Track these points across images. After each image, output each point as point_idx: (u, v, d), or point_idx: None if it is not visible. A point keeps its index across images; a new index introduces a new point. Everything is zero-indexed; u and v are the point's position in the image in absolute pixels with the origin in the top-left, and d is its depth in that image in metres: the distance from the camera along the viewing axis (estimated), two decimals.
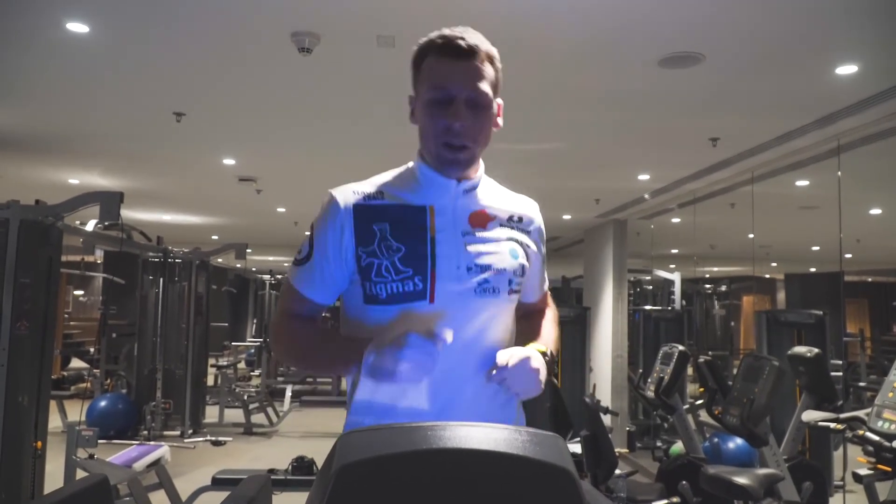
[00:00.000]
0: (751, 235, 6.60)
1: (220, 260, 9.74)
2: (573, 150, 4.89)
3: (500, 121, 1.37)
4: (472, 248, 1.31)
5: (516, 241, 1.37)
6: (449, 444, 0.81)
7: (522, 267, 1.36)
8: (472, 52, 1.26)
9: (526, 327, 1.45)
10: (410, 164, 1.39)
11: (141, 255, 7.47)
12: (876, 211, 6.96)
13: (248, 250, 8.08)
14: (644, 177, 5.68)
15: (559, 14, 2.71)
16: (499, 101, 1.36)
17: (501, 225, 1.37)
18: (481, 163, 1.40)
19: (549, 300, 1.59)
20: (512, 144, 4.78)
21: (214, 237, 10.94)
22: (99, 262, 11.76)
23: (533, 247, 1.42)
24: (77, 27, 2.87)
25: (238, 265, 12.84)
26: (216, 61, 3.29)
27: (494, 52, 1.32)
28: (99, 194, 4.15)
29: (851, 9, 2.59)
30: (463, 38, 1.26)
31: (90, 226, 5.46)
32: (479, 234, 1.33)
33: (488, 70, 1.29)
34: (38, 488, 3.70)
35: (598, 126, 4.27)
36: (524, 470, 0.81)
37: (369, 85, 3.55)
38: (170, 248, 7.54)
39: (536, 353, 1.29)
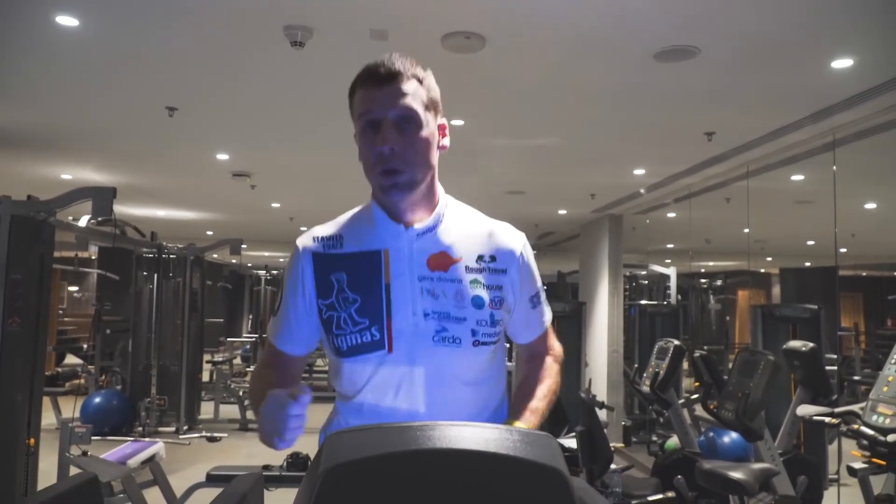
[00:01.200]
0: (746, 230, 6.59)
1: (215, 255, 9.72)
2: (568, 145, 4.88)
3: (446, 142, 1.34)
4: (429, 294, 1.26)
5: (485, 284, 1.29)
6: (438, 444, 0.79)
7: (490, 315, 1.27)
8: (392, 76, 1.25)
9: (516, 392, 1.40)
10: (370, 200, 1.36)
11: (135, 250, 7.44)
12: (871, 205, 6.96)
13: (244, 246, 8.06)
14: (639, 171, 5.67)
15: (553, 8, 2.69)
16: (442, 120, 1.33)
17: (468, 268, 1.29)
18: (440, 198, 1.34)
19: (551, 341, 1.47)
20: (507, 140, 4.77)
21: (209, 233, 10.90)
22: (93, 258, 11.72)
23: (510, 288, 1.31)
24: (66, 20, 2.84)
25: (233, 261, 12.82)
26: (208, 55, 3.27)
27: (424, 73, 1.30)
28: (91, 190, 4.12)
29: (847, 2, 2.57)
30: (383, 65, 1.25)
31: (83, 221, 5.43)
32: (438, 279, 1.27)
33: (417, 90, 1.26)
34: (32, 485, 3.68)
35: (593, 121, 4.26)
36: (515, 470, 0.80)
37: None
38: (164, 243, 7.51)
39: None
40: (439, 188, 1.36)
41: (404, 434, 0.80)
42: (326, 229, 1.35)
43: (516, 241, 1.35)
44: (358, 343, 1.26)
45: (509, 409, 1.37)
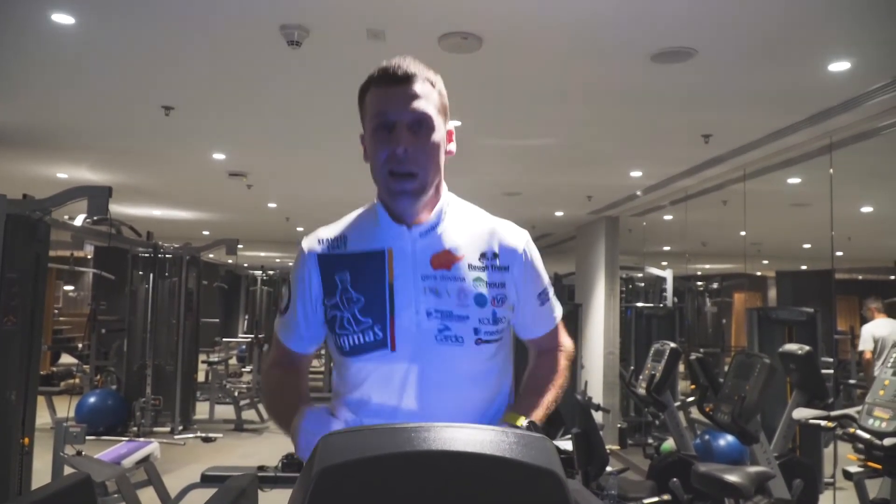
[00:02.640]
0: (742, 233, 6.60)
1: (210, 255, 9.69)
2: (565, 146, 4.87)
3: (452, 147, 1.34)
4: (431, 293, 1.26)
5: (489, 282, 1.29)
6: (433, 446, 0.78)
7: (493, 313, 1.28)
8: (408, 78, 1.25)
9: (524, 386, 1.40)
10: (375, 201, 1.36)
11: (131, 250, 7.42)
12: (867, 209, 6.97)
13: (240, 246, 8.04)
14: (636, 173, 5.67)
15: (551, 9, 2.68)
16: (450, 126, 1.34)
17: (470, 266, 1.29)
18: (442, 197, 1.34)
19: (560, 337, 1.47)
20: (504, 140, 4.76)
21: (205, 232, 10.88)
22: (88, 257, 11.69)
23: (513, 285, 1.32)
24: (62, 18, 2.82)
25: (229, 260, 12.80)
26: (205, 54, 3.25)
27: (436, 77, 1.30)
28: (87, 189, 4.11)
29: (844, 5, 2.58)
30: (399, 66, 1.25)
31: (79, 220, 5.41)
32: (441, 278, 1.27)
33: (430, 93, 1.27)
34: (26, 485, 3.67)
35: (590, 122, 4.26)
36: (510, 472, 0.79)
37: (359, 79, 3.50)
38: (160, 243, 7.49)
39: None
40: (443, 186, 1.36)
41: (399, 435, 0.79)
42: (330, 231, 1.37)
43: (519, 238, 1.36)
44: (361, 342, 1.27)
45: (516, 403, 1.37)
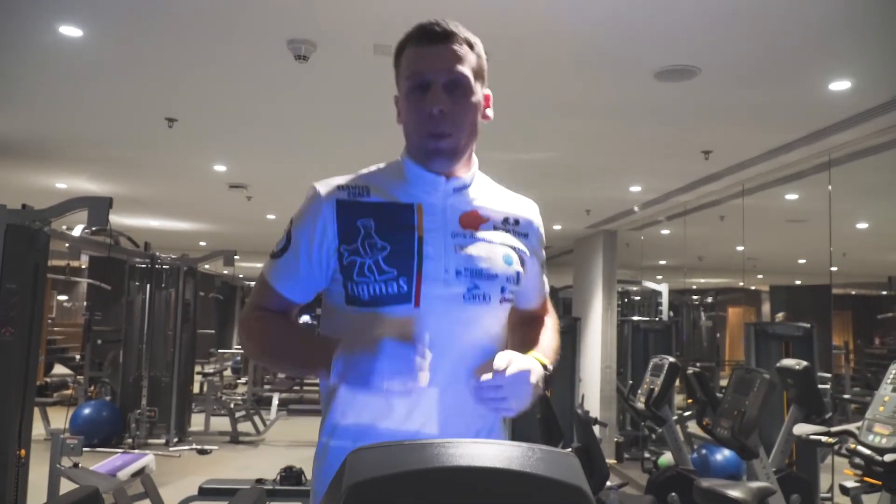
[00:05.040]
0: (740, 248, 6.63)
1: (206, 266, 9.66)
2: (566, 160, 4.90)
3: (489, 112, 1.32)
4: (462, 252, 1.23)
5: (511, 245, 1.30)
6: (461, 461, 0.79)
7: (517, 274, 1.29)
8: (447, 36, 1.22)
9: (524, 335, 1.37)
10: (399, 158, 1.33)
11: (128, 260, 7.40)
12: (863, 225, 7.03)
13: (237, 257, 8.03)
14: (636, 188, 5.70)
15: (557, 26, 2.71)
16: (486, 91, 1.30)
17: (495, 227, 1.29)
18: (475, 160, 1.33)
19: (549, 307, 1.50)
20: (505, 154, 4.78)
21: (202, 243, 10.86)
22: (84, 267, 11.64)
23: (529, 251, 1.34)
24: (70, 31, 2.84)
25: (225, 271, 12.76)
26: (211, 67, 3.27)
27: (475, 39, 1.27)
28: (88, 199, 4.10)
29: (846, 25, 2.61)
30: (438, 24, 1.23)
31: (77, 231, 5.40)
32: (471, 237, 1.26)
33: (468, 55, 1.24)
34: (22, 498, 3.63)
35: (591, 137, 4.29)
36: (537, 488, 0.79)
37: (365, 94, 3.54)
38: (157, 254, 7.47)
39: (537, 366, 1.21)
40: (474, 157, 1.35)
41: (428, 451, 0.80)
42: (349, 179, 1.29)
43: (533, 211, 1.39)
44: (383, 292, 1.20)
45: (522, 342, 1.33)
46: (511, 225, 1.32)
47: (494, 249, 1.27)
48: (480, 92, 1.28)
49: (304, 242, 1.26)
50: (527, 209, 1.37)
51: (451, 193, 1.27)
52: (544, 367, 1.25)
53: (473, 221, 1.28)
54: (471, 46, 1.25)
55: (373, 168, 1.33)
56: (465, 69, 1.23)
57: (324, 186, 1.28)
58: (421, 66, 1.22)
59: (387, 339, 1.11)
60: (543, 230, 1.40)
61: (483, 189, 1.33)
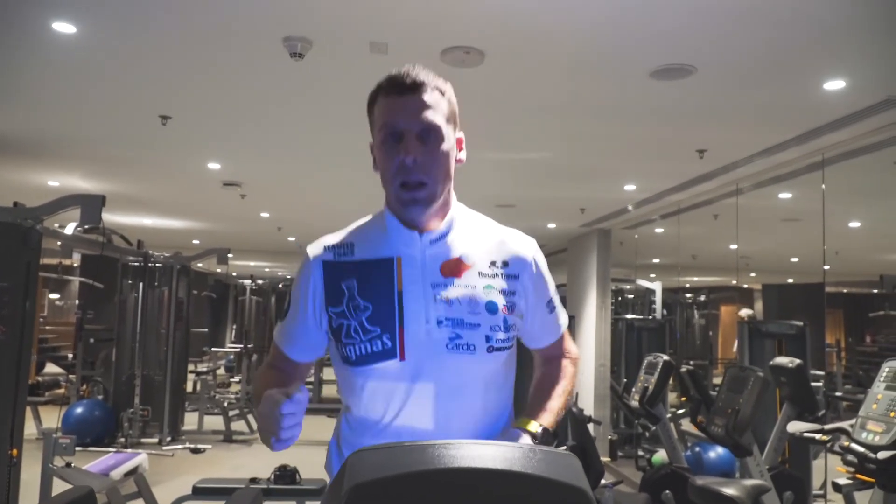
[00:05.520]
0: (733, 246, 6.66)
1: (200, 265, 9.62)
2: (561, 159, 4.90)
3: (462, 155, 1.35)
4: (442, 301, 1.25)
5: (498, 289, 1.28)
6: (463, 463, 0.79)
7: (504, 321, 1.27)
8: (417, 87, 1.25)
9: (533, 396, 1.40)
10: (384, 207, 1.35)
11: (121, 259, 7.36)
12: (855, 224, 7.06)
13: (230, 255, 8.00)
14: (630, 187, 5.71)
15: (553, 25, 2.71)
16: (459, 134, 1.34)
17: (480, 274, 1.29)
18: (452, 205, 1.34)
19: (567, 345, 1.48)
20: (501, 154, 4.78)
21: (195, 241, 10.81)
22: (76, 265, 11.57)
23: (523, 293, 1.32)
24: (64, 27, 2.81)
25: (218, 270, 12.72)
26: (206, 64, 3.25)
27: (446, 85, 1.30)
28: (80, 197, 4.09)
29: (841, 25, 2.62)
30: (408, 75, 1.25)
31: (69, 229, 5.37)
32: (452, 286, 1.26)
33: (439, 102, 1.27)
34: (14, 497, 3.61)
35: (586, 136, 4.29)
36: (539, 489, 0.79)
37: (361, 92, 3.49)
38: (150, 252, 7.44)
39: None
40: (453, 196, 1.36)
41: (429, 452, 0.80)
42: (337, 237, 1.35)
43: (528, 247, 1.37)
44: (369, 352, 1.24)
45: (526, 409, 1.36)
46: (498, 268, 1.31)
47: (477, 296, 1.27)
48: (453, 137, 1.31)
49: (301, 305, 1.33)
50: (517, 246, 1.36)
51: (428, 245, 1.29)
52: (533, 436, 1.26)
53: (455, 269, 1.28)
54: (442, 93, 1.28)
55: (361, 222, 1.38)
56: (438, 117, 1.26)
57: (313, 248, 1.34)
58: (393, 116, 1.25)
59: (269, 391, 1.12)
60: (543, 263, 1.39)
61: (466, 233, 1.33)
